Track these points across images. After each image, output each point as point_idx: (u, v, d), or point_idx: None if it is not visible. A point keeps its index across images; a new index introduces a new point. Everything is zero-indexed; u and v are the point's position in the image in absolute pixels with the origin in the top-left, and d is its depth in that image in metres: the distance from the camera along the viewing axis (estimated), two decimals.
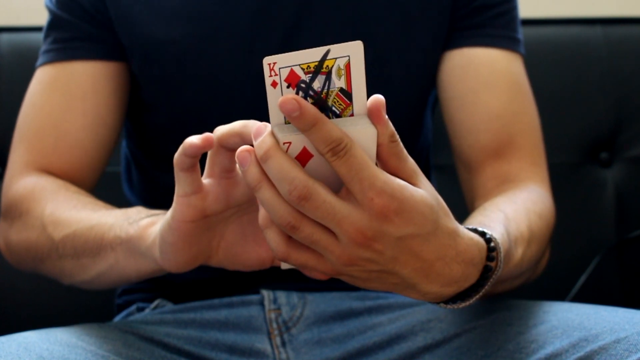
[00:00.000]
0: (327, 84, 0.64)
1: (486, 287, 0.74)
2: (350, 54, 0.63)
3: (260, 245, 0.78)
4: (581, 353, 0.75)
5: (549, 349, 0.78)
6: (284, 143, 0.65)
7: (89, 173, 1.01)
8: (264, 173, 0.65)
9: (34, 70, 1.04)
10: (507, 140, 1.01)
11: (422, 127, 1.09)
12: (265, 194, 0.66)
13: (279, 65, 0.63)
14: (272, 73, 0.63)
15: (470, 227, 0.75)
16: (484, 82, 1.02)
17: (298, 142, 0.65)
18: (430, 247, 0.68)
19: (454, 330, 0.89)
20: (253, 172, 0.66)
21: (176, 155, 0.72)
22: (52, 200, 0.95)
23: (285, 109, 0.63)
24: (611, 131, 1.37)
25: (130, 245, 0.83)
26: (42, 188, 0.97)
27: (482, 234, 0.75)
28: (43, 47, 1.03)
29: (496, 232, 0.77)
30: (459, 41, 1.03)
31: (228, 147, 0.72)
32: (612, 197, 1.36)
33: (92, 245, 0.88)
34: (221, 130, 0.71)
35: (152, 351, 0.88)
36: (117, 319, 1.06)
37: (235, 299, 0.98)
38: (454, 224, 0.70)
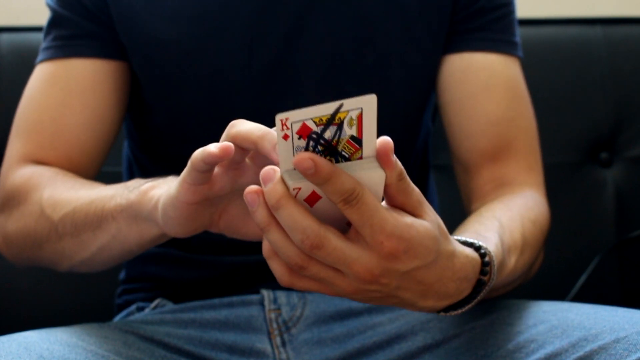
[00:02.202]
0: (338, 133, 0.64)
1: (478, 298, 0.77)
2: (363, 106, 0.63)
3: None
4: (581, 353, 0.75)
5: (548, 349, 0.78)
6: (293, 189, 0.65)
7: (85, 169, 1.01)
8: (272, 216, 0.66)
9: (33, 69, 1.04)
10: (504, 144, 1.02)
11: (421, 128, 1.09)
12: (274, 236, 0.67)
13: (291, 121, 0.63)
14: (284, 127, 0.63)
15: (466, 240, 0.78)
16: (483, 87, 1.03)
17: (307, 186, 0.65)
18: (431, 273, 0.70)
19: (454, 330, 0.89)
20: (262, 215, 0.66)
21: (195, 158, 0.71)
22: (50, 184, 0.95)
23: (300, 168, 0.63)
24: (611, 131, 1.37)
25: (131, 210, 0.83)
26: (40, 175, 0.97)
27: (478, 248, 0.77)
28: (43, 45, 1.03)
29: (491, 243, 0.80)
30: (458, 45, 1.03)
31: (242, 147, 0.72)
32: (612, 197, 1.36)
33: (93, 219, 0.87)
34: (238, 129, 0.70)
35: (153, 351, 0.88)
36: (117, 318, 1.06)
37: (235, 298, 0.98)
38: (452, 245, 0.72)
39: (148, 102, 1.04)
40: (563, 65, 1.37)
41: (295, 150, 0.64)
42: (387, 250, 0.66)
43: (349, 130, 0.64)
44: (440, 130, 1.08)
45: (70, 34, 1.01)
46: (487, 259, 0.76)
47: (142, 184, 0.83)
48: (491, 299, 0.91)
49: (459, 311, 0.76)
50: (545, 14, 1.41)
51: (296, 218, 0.64)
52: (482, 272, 0.76)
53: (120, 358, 0.83)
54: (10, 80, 1.30)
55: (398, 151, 1.05)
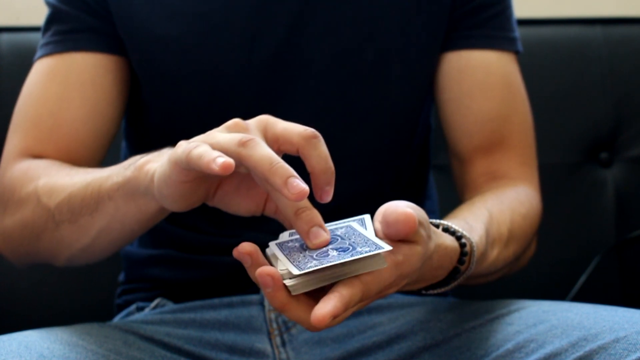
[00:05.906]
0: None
1: (454, 283, 0.82)
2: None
3: (251, 200, 0.78)
4: (580, 352, 0.76)
5: (548, 349, 0.78)
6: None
7: (84, 163, 1.00)
8: None
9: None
10: (498, 140, 1.04)
11: (420, 125, 1.09)
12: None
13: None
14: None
15: (451, 226, 0.81)
16: (480, 85, 1.04)
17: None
18: (414, 276, 0.74)
19: (454, 330, 0.89)
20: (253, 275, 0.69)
21: (192, 158, 0.70)
22: (45, 174, 0.94)
23: (320, 326, 0.66)
24: (611, 131, 1.37)
25: (129, 187, 0.82)
26: (36, 167, 0.96)
27: (459, 237, 0.81)
28: (42, 41, 1.02)
29: (476, 233, 0.84)
30: (456, 43, 1.04)
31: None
32: (612, 197, 1.36)
33: (90, 202, 0.87)
34: (250, 153, 0.70)
35: (153, 351, 0.88)
36: (116, 319, 1.06)
37: (235, 298, 0.98)
38: (433, 243, 0.75)
39: (146, 101, 1.03)
40: (563, 65, 1.37)
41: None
42: (386, 290, 0.70)
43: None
44: (441, 129, 1.08)
45: (70, 28, 1.01)
46: (466, 249, 0.80)
47: (138, 160, 0.82)
48: (492, 298, 0.92)
49: (432, 292, 0.82)
50: (545, 14, 1.41)
51: (301, 317, 0.68)
52: (460, 260, 0.80)
53: (121, 357, 0.83)
54: (10, 80, 1.30)
55: (396, 147, 1.06)
